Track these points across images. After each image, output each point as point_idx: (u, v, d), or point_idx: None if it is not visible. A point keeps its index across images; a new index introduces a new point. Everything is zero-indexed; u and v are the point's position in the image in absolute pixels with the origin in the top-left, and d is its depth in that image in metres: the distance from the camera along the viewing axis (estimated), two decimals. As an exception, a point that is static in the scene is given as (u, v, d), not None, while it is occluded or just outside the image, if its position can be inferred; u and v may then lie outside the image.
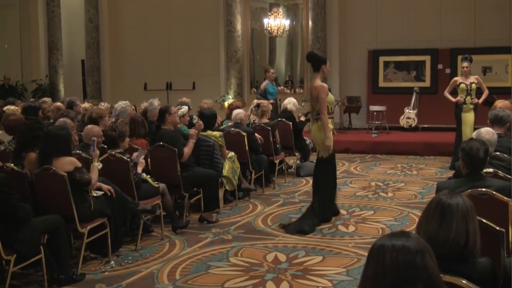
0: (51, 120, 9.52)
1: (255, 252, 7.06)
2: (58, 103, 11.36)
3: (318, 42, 17.71)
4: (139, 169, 7.60)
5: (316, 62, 8.20)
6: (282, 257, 6.87)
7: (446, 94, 11.95)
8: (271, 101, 13.44)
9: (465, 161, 5.02)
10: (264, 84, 14.63)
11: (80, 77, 19.92)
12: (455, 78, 12.12)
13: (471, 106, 11.60)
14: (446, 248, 3.05)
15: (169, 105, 9.36)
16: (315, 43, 17.69)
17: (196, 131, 8.67)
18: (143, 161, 7.77)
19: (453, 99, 11.80)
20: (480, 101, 11.61)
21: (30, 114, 9.82)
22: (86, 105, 12.07)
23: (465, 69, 11.72)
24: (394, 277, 2.28)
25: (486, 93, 11.67)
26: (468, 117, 11.64)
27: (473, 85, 11.58)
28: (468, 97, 11.61)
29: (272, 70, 14.96)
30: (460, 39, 16.78)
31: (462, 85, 11.68)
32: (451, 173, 9.63)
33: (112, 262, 6.72)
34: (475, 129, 10.68)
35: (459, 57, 15.87)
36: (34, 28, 19.39)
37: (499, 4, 16.75)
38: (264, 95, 14.20)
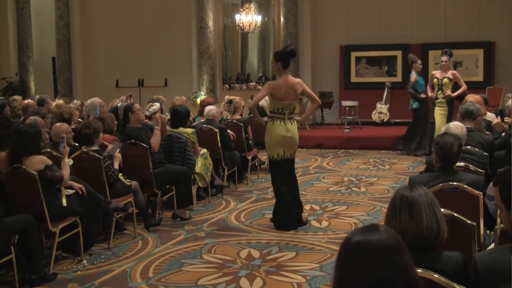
0: (22, 118, 9.43)
1: (228, 249, 7.05)
2: (28, 100, 11.24)
3: (290, 38, 17.74)
4: (116, 164, 7.53)
5: (290, 58, 8.01)
6: (255, 253, 6.86)
7: (427, 88, 12.07)
8: (423, 95, 12.86)
9: (439, 155, 5.06)
10: (414, 76, 13.32)
11: (51, 75, 19.74)
12: (432, 72, 12.23)
13: (444, 101, 11.63)
14: (421, 238, 3.06)
15: (132, 103, 9.32)
16: (287, 39, 17.71)
17: (161, 117, 8.65)
18: (119, 155, 7.70)
19: (428, 94, 11.96)
20: (454, 94, 11.60)
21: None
22: (59, 101, 11.99)
23: (443, 63, 11.71)
24: (376, 276, 2.22)
25: (463, 88, 11.61)
26: (440, 112, 11.70)
27: (445, 80, 11.56)
28: (439, 92, 11.64)
29: (419, 61, 13.75)
30: (431, 35, 16.93)
31: (435, 80, 11.74)
32: (423, 167, 9.70)
33: (85, 261, 6.67)
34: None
35: (430, 52, 16.04)
36: (3, 26, 19.12)
37: (469, 0, 16.90)
38: (415, 87, 13.19)
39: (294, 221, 7.96)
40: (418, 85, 13.08)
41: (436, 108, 11.82)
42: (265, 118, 8.20)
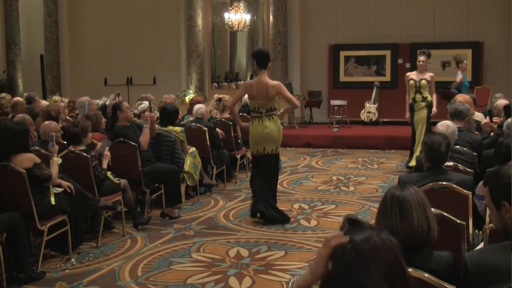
0: (10, 116, 9.39)
1: (217, 248, 7.04)
2: (18, 98, 11.18)
3: (279, 36, 17.75)
4: (105, 163, 7.49)
5: (264, 59, 8.08)
6: (244, 252, 6.86)
7: (406, 98, 11.36)
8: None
9: (427, 155, 5.07)
10: (460, 77, 12.71)
11: (39, 72, 19.61)
12: (407, 74, 11.54)
13: (423, 104, 11.06)
14: (412, 237, 3.07)
15: (120, 101, 9.33)
16: (276, 37, 17.73)
17: (150, 115, 8.63)
18: (108, 153, 7.65)
19: (406, 108, 11.34)
20: (435, 108, 11.01)
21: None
22: (56, 97, 12.01)
23: (420, 63, 11.12)
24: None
25: (434, 97, 11.10)
26: (420, 115, 11.10)
27: (423, 82, 10.98)
28: (418, 95, 11.06)
29: (465, 61, 13.37)
30: (420, 34, 16.97)
31: (411, 82, 11.13)
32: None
33: (73, 259, 6.63)
34: (434, 123, 10.63)
35: (419, 52, 16.06)
36: (-10, 23, 19.04)
37: (458, 0, 16.97)
38: (460, 88, 12.40)
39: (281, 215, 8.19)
40: (464, 87, 12.53)
41: (415, 113, 11.17)
42: (245, 123, 8.48)
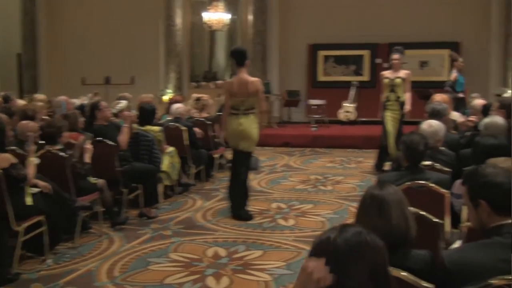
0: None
1: (195, 248, 7.00)
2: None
3: (258, 36, 17.75)
4: (87, 157, 7.40)
5: (242, 57, 8.25)
6: (222, 252, 6.83)
7: (381, 97, 11.12)
8: (461, 94, 12.10)
9: (406, 154, 5.12)
10: (454, 75, 12.51)
11: (16, 71, 19.47)
12: (382, 73, 11.28)
13: (396, 103, 10.79)
14: (391, 237, 3.06)
15: (98, 100, 9.30)
16: (255, 37, 17.72)
17: (129, 115, 8.63)
18: (90, 146, 7.55)
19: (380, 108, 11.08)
20: (408, 107, 10.75)
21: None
22: (41, 96, 11.97)
23: (395, 61, 10.81)
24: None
25: (408, 95, 10.78)
26: (391, 115, 10.84)
27: (397, 80, 10.70)
28: (392, 94, 10.81)
29: (461, 59, 13.02)
30: (398, 34, 17.03)
31: (386, 81, 10.85)
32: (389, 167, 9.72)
33: (49, 260, 6.56)
34: (406, 123, 10.60)
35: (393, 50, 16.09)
36: (-34, 21, 18.85)
37: (437, 0, 17.07)
38: (454, 86, 12.31)
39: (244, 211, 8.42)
40: (458, 84, 12.33)
41: (387, 112, 10.89)
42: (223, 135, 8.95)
